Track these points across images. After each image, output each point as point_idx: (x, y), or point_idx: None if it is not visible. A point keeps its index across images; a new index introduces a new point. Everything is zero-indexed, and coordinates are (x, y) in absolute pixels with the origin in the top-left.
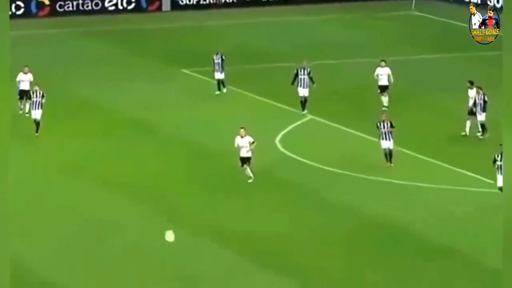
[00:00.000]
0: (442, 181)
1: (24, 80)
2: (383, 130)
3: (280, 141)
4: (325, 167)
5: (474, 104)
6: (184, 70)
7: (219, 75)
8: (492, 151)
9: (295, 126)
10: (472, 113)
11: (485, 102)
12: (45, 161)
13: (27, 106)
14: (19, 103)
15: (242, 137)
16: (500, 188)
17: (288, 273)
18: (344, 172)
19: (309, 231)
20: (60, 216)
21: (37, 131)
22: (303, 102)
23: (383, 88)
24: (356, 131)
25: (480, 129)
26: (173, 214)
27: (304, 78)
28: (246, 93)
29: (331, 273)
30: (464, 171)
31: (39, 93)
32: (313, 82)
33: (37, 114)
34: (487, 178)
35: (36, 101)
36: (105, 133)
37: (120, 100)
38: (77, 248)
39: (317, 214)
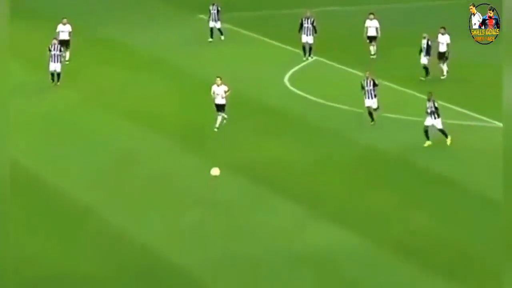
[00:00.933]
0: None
1: (64, 31)
2: (366, 88)
3: (289, 80)
4: (330, 103)
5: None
6: (201, 16)
7: (213, 24)
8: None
9: (301, 67)
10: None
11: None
12: (78, 97)
13: (67, 54)
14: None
15: (218, 85)
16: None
17: (297, 199)
18: (347, 107)
19: (314, 159)
20: (92, 146)
21: (58, 81)
22: (307, 49)
23: (371, 39)
24: (359, 71)
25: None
26: (194, 146)
27: (308, 27)
28: (257, 36)
29: (335, 199)
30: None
31: (57, 46)
32: (315, 32)
33: (57, 66)
34: (474, 113)
35: (54, 55)
36: (131, 70)
37: (142, 40)
38: (107, 175)
39: (322, 144)
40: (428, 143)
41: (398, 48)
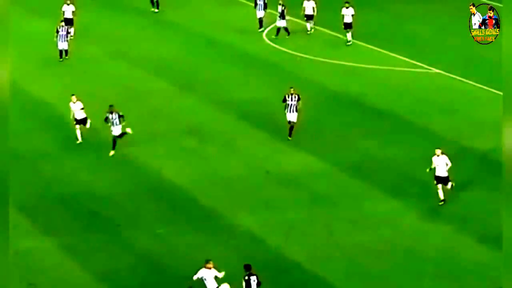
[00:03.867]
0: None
1: (67, 10)
2: (289, 103)
3: (267, 35)
4: (303, 55)
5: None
6: None
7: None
8: None
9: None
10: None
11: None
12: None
13: (72, 30)
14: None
15: (74, 102)
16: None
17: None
18: (314, 57)
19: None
20: (106, 84)
21: (66, 55)
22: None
23: (347, 26)
24: (330, 30)
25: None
26: (190, 88)
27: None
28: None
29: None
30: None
31: (64, 28)
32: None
33: (64, 45)
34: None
35: (62, 35)
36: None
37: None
38: (117, 107)
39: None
40: None
41: None
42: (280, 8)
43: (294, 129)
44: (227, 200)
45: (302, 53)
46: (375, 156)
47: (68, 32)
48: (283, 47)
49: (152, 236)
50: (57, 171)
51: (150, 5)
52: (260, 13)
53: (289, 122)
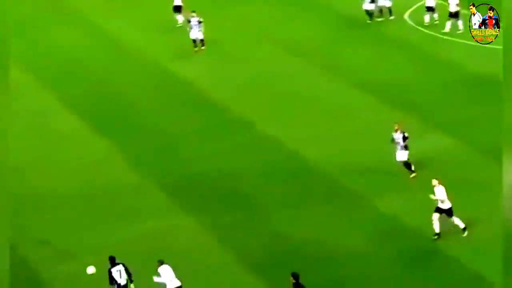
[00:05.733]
0: None
1: None
2: (397, 141)
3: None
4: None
5: None
6: None
7: None
8: None
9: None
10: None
11: None
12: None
13: (180, 17)
14: None
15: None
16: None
17: None
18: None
19: None
20: (243, 69)
21: (202, 46)
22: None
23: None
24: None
25: None
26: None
27: None
28: None
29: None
30: None
31: (195, 19)
32: None
33: (198, 35)
34: None
35: (194, 25)
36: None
37: None
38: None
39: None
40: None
41: None
42: None
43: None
44: (370, 185)
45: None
46: None
47: (200, 22)
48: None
49: (286, 217)
50: (198, 152)
51: None
52: (368, 6)
53: (399, 161)
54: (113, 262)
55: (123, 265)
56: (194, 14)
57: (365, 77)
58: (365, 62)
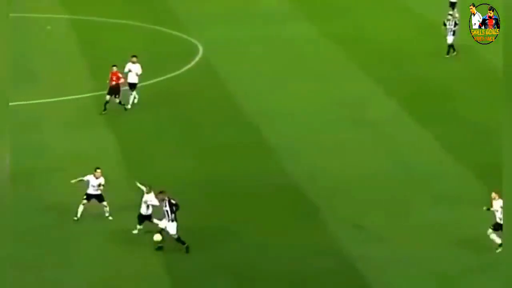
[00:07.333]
0: None
1: None
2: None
3: None
4: None
5: None
6: None
7: None
8: None
9: None
10: None
11: None
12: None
13: None
14: None
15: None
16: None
17: None
18: None
19: None
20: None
21: (454, 51)
22: None
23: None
24: None
25: None
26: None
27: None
28: None
29: None
30: None
31: (452, 22)
32: None
33: (449, 39)
34: None
35: (449, 29)
36: None
37: None
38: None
39: None
40: None
41: None
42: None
43: None
44: None
45: None
46: None
47: (457, 25)
48: None
49: None
50: None
51: None
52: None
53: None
54: None
55: None
56: (449, 16)
57: None
58: None
